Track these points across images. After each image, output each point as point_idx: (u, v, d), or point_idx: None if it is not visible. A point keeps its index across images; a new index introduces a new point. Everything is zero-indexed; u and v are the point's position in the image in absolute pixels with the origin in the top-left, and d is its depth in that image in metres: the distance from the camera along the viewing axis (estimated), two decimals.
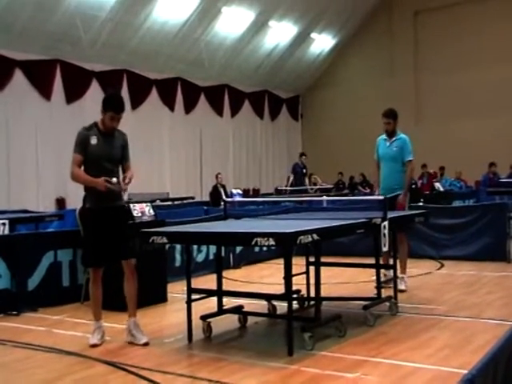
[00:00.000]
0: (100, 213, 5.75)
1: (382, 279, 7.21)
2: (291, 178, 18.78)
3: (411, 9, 25.39)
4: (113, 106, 5.77)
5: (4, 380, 4.90)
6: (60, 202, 17.78)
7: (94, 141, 5.76)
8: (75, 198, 12.63)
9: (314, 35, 25.73)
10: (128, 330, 5.80)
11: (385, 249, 6.40)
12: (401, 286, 7.75)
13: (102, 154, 5.76)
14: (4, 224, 8.86)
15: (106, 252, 5.75)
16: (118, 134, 5.96)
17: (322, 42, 26.53)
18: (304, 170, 18.46)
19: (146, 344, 5.63)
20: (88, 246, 5.84)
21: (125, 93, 20.09)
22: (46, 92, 17.82)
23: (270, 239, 4.99)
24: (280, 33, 24.07)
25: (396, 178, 8.17)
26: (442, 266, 9.78)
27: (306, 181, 18.65)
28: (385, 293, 6.80)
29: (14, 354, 5.66)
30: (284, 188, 19.72)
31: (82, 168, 5.82)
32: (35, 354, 5.60)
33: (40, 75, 17.59)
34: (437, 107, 24.29)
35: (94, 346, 5.69)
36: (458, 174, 21.10)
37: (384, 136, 8.37)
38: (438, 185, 18.47)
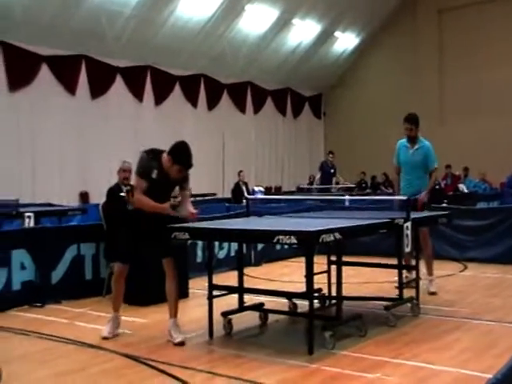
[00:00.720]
0: (143, 216, 5.76)
1: (404, 280, 7.20)
2: (317, 176, 18.66)
3: (435, 7, 25.15)
4: (184, 162, 5.66)
5: (27, 370, 4.96)
6: (83, 196, 17.92)
7: (154, 175, 5.68)
8: (98, 193, 12.76)
9: (337, 33, 25.61)
10: (168, 330, 5.77)
11: (407, 249, 6.36)
12: (431, 289, 7.70)
13: (160, 191, 5.75)
14: (29, 217, 8.97)
15: (138, 251, 5.92)
16: None
17: (346, 41, 26.41)
18: (332, 170, 18.26)
19: (180, 343, 5.58)
20: (123, 243, 5.91)
21: (148, 89, 20.21)
22: (71, 87, 17.95)
23: (292, 237, 4.99)
24: (303, 31, 23.99)
25: (418, 184, 7.99)
26: (466, 267, 9.70)
27: (334, 180, 18.27)
28: (407, 294, 6.75)
29: (37, 344, 5.73)
30: (306, 186, 19.69)
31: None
32: (58, 346, 5.67)
33: (65, 70, 17.71)
34: (461, 107, 24.06)
35: (105, 338, 5.78)
36: (482, 175, 20.87)
37: (405, 142, 8.10)
38: (461, 186, 18.33)
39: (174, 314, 5.79)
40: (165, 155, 5.67)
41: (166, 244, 5.76)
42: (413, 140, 8.02)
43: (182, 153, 5.67)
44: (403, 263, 7.49)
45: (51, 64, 17.38)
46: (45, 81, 17.31)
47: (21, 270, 7.26)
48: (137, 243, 5.87)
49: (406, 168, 8.11)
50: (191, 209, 5.76)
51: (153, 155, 5.72)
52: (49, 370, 4.96)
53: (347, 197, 10.51)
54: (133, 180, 6.71)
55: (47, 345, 5.71)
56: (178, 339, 5.63)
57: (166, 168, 5.66)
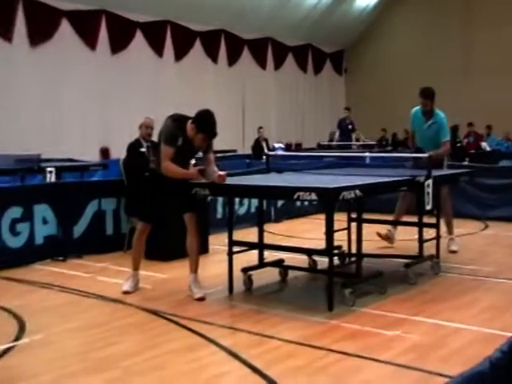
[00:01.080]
0: (165, 180, 5.73)
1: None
2: (337, 134, 18.65)
3: None
4: (208, 131, 5.65)
5: (50, 323, 5.04)
6: (104, 152, 17.96)
7: (179, 142, 5.68)
8: (119, 148, 12.75)
9: None
10: (188, 285, 5.84)
11: (428, 207, 6.30)
12: (453, 247, 7.69)
13: (183, 156, 5.78)
14: (51, 172, 9.01)
15: (160, 210, 6.01)
16: None
17: None
18: (350, 126, 18.30)
19: (200, 299, 5.63)
20: (146, 202, 5.95)
21: (168, 44, 20.01)
22: (91, 42, 17.84)
23: (313, 194, 4.97)
24: None
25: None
26: (487, 226, 9.63)
27: (353, 136, 18.40)
28: (427, 251, 6.72)
29: (59, 298, 5.82)
30: (326, 143, 19.58)
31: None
32: (80, 300, 5.75)
33: (86, 25, 17.57)
34: (486, 62, 23.54)
35: (126, 292, 5.86)
36: (505, 133, 20.57)
37: (419, 113, 7.91)
38: (484, 144, 18.09)
39: (194, 269, 5.83)
40: (189, 123, 5.66)
41: (187, 199, 5.76)
42: (428, 114, 7.83)
43: (206, 122, 5.65)
44: (397, 219, 7.55)
45: (71, 19, 17.25)
46: (65, 36, 17.20)
47: (43, 225, 7.34)
48: (159, 202, 5.90)
49: (421, 140, 7.99)
50: (218, 171, 5.71)
51: (178, 123, 5.70)
52: (72, 323, 5.04)
53: (368, 154, 10.40)
54: (155, 137, 6.71)
55: (70, 298, 5.79)
56: (199, 294, 5.67)
57: (190, 136, 5.65)
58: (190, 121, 5.69)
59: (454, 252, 7.60)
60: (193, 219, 5.84)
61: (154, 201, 5.90)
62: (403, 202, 7.99)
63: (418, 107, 7.99)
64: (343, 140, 17.85)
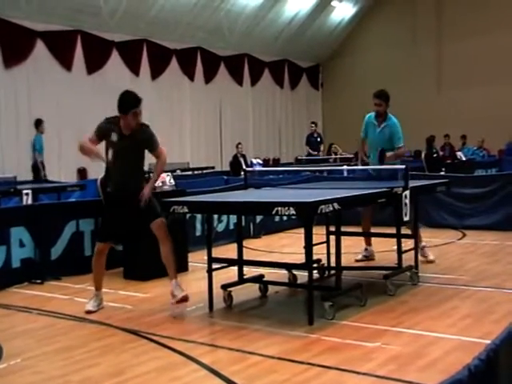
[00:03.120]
0: (117, 197, 5.91)
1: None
2: (307, 150, 19.14)
3: None
4: (133, 103, 5.81)
5: (28, 347, 4.97)
6: (81, 173, 17.88)
7: (114, 138, 5.87)
8: (96, 169, 12.69)
9: (334, 3, 25.35)
10: (171, 293, 5.83)
11: (406, 218, 6.35)
12: (430, 257, 7.72)
13: (125, 154, 5.91)
14: (27, 194, 8.95)
15: (122, 229, 6.13)
16: (138, 132, 5.92)
17: (343, 10, 26.15)
18: (318, 139, 18.82)
19: (184, 298, 5.71)
20: (103, 222, 6.12)
21: (145, 62, 20.06)
22: (66, 63, 17.83)
23: (291, 208, 4.98)
24: (300, 0, 23.74)
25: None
26: (464, 235, 9.71)
27: (321, 147, 19.14)
28: (406, 262, 6.76)
29: (38, 321, 5.75)
30: (304, 157, 19.76)
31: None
32: (59, 322, 5.69)
33: (61, 46, 17.58)
34: (459, 75, 23.90)
35: (89, 312, 5.85)
36: (480, 142, 20.84)
37: (373, 118, 7.80)
38: (460, 154, 18.29)
39: (174, 275, 5.84)
40: (119, 117, 5.86)
41: (149, 209, 5.81)
42: (381, 116, 7.74)
43: (127, 98, 5.84)
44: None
45: (46, 39, 17.24)
46: (40, 56, 17.19)
47: (20, 248, 7.25)
48: (119, 221, 5.92)
49: (373, 146, 7.84)
50: (146, 190, 5.87)
51: (110, 119, 5.96)
52: (50, 346, 4.98)
53: (346, 167, 10.46)
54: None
55: (48, 321, 5.73)
56: (182, 294, 5.72)
57: (125, 127, 5.82)
58: (118, 116, 5.87)
59: (431, 262, 7.64)
60: (161, 226, 5.86)
61: (110, 220, 5.93)
62: (365, 216, 7.94)
63: (371, 113, 7.89)
64: (315, 154, 18.40)
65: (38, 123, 14.54)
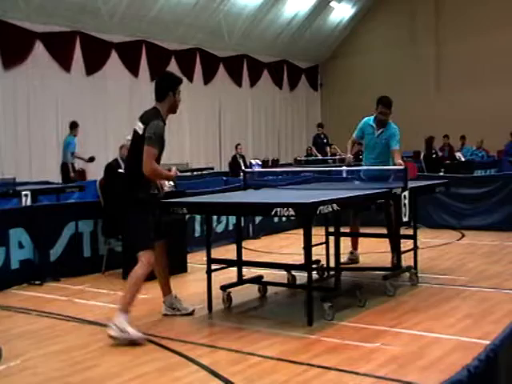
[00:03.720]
0: (154, 200, 5.46)
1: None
2: (314, 151, 19.21)
3: None
4: (178, 80, 5.65)
5: (28, 349, 4.97)
6: (80, 174, 17.87)
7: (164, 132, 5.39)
8: (95, 170, 12.71)
9: (333, 4, 25.37)
10: (169, 306, 5.72)
11: (405, 219, 6.34)
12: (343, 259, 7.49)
13: (163, 145, 5.44)
14: (26, 195, 8.95)
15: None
16: None
17: (342, 11, 26.16)
18: (325, 140, 19.06)
19: (193, 312, 5.69)
20: (149, 228, 5.30)
21: (144, 64, 20.07)
22: (66, 64, 17.83)
23: (290, 209, 4.98)
24: (299, 2, 23.76)
25: (387, 160, 7.57)
26: (463, 236, 9.71)
27: (327, 150, 19.35)
28: (405, 263, 6.76)
29: (38, 322, 5.74)
30: (303, 158, 19.81)
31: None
32: (59, 323, 5.68)
33: (60, 47, 17.58)
34: (458, 75, 23.91)
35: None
36: (479, 143, 20.83)
37: (372, 122, 7.70)
38: (459, 154, 18.29)
39: (170, 289, 5.78)
40: (160, 104, 5.52)
41: (163, 226, 5.67)
42: (383, 123, 7.60)
43: (172, 76, 5.71)
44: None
45: (46, 41, 17.25)
46: (39, 58, 17.19)
47: (19, 249, 7.25)
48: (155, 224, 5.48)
49: (369, 150, 7.77)
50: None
51: (159, 114, 5.45)
52: (50, 347, 4.98)
53: (345, 168, 10.45)
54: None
55: (47, 323, 5.72)
56: (191, 308, 5.73)
57: (166, 115, 5.53)
58: (157, 104, 5.54)
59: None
60: (166, 244, 5.67)
61: (153, 225, 5.39)
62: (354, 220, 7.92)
63: (370, 117, 7.79)
64: (320, 154, 18.63)
65: (73, 126, 14.55)
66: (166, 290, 5.75)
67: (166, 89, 5.52)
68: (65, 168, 14.07)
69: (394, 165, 7.28)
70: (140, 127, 5.32)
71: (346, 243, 6.76)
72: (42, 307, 6.20)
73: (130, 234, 5.51)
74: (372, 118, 7.77)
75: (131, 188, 5.32)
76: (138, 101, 19.53)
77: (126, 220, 5.40)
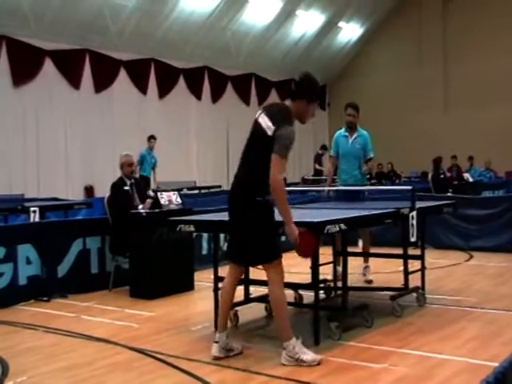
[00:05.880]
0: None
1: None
2: (317, 166, 19.13)
3: None
4: (318, 90, 5.03)
5: (34, 365, 4.97)
6: (88, 191, 17.96)
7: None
8: (103, 187, 12.76)
9: (341, 24, 25.53)
10: (223, 348, 4.96)
11: (413, 239, 6.34)
12: (368, 277, 7.81)
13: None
14: (34, 212, 9.00)
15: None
16: None
17: (350, 31, 26.32)
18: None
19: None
20: (273, 237, 4.94)
21: (152, 82, 20.19)
22: (74, 81, 17.97)
23: (298, 228, 4.98)
24: (307, 21, 23.92)
25: (356, 174, 8.08)
26: (471, 257, 9.68)
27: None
28: (412, 283, 6.74)
29: (44, 339, 5.74)
30: (311, 177, 19.81)
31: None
32: (65, 340, 5.68)
33: (69, 64, 17.73)
34: (466, 96, 23.97)
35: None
36: (487, 163, 20.81)
37: (343, 132, 8.13)
38: (467, 175, 18.26)
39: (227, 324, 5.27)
40: (294, 103, 4.87)
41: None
42: (352, 128, 8.11)
43: (317, 84, 4.97)
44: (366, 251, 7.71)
45: (55, 58, 17.40)
46: (49, 75, 17.34)
47: (27, 265, 7.27)
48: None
49: (346, 158, 8.09)
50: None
51: (292, 122, 4.82)
52: (56, 364, 4.97)
53: (353, 187, 10.45)
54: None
55: (54, 339, 5.72)
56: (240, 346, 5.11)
57: (295, 118, 4.87)
58: (290, 102, 4.90)
59: (369, 282, 7.71)
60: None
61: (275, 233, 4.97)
62: (364, 234, 8.00)
63: (340, 130, 8.25)
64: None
65: (150, 139, 14.78)
66: (224, 325, 5.08)
67: (305, 91, 4.87)
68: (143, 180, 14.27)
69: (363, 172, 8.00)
70: (269, 126, 4.75)
71: (353, 263, 6.75)
72: (49, 323, 6.21)
73: (249, 243, 4.86)
74: (342, 129, 8.21)
75: (250, 190, 4.80)
76: (146, 118, 19.68)
77: (243, 227, 4.85)
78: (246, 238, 4.87)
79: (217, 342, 4.94)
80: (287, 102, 4.96)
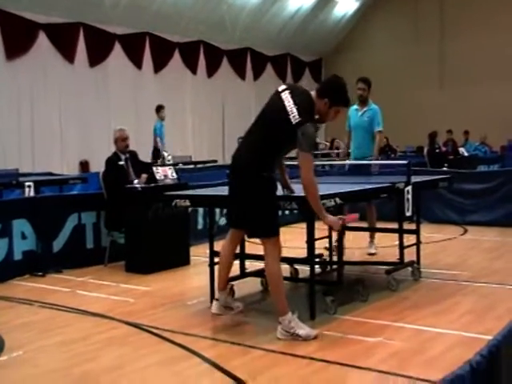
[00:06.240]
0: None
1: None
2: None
3: None
4: (346, 100, 4.89)
5: (30, 339, 4.98)
6: (83, 165, 17.89)
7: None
8: (98, 162, 12.70)
9: None
10: (223, 305, 5.12)
11: (408, 213, 6.35)
12: (371, 250, 7.95)
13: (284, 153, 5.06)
14: (29, 186, 8.95)
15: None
16: None
17: (346, 5, 26.05)
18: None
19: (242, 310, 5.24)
20: (275, 212, 5.03)
21: (147, 56, 20.02)
22: (69, 55, 17.78)
23: (293, 203, 4.98)
24: None
25: (368, 146, 8.24)
26: (466, 231, 9.70)
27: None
28: (407, 257, 6.75)
29: (40, 313, 5.75)
30: None
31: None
32: (61, 315, 5.69)
33: (63, 38, 17.52)
34: (461, 71, 23.85)
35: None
36: (482, 138, 20.80)
37: (355, 106, 8.33)
38: (462, 150, 18.25)
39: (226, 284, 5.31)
40: (316, 98, 4.78)
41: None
42: (363, 101, 8.28)
43: (344, 90, 4.83)
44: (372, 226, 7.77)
45: (49, 32, 17.19)
46: (42, 49, 17.15)
47: (22, 240, 7.25)
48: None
49: (356, 131, 8.35)
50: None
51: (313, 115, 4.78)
52: (52, 338, 4.99)
53: (348, 162, 10.44)
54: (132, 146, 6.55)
55: (50, 314, 5.73)
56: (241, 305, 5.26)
57: (319, 117, 4.84)
58: (314, 95, 4.80)
59: (372, 254, 7.86)
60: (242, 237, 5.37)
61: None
62: (370, 210, 8.07)
63: (354, 104, 8.29)
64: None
65: (158, 109, 14.58)
66: (224, 284, 5.18)
67: (328, 90, 4.82)
68: (156, 153, 14.18)
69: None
70: (294, 114, 4.66)
71: (348, 237, 6.74)
72: (44, 298, 6.21)
73: (250, 216, 4.83)
74: (355, 103, 8.31)
75: (254, 165, 4.76)
76: (141, 93, 19.54)
77: (245, 201, 4.83)
78: (247, 211, 4.85)
79: (217, 300, 5.06)
80: (313, 93, 4.85)
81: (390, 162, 7.82)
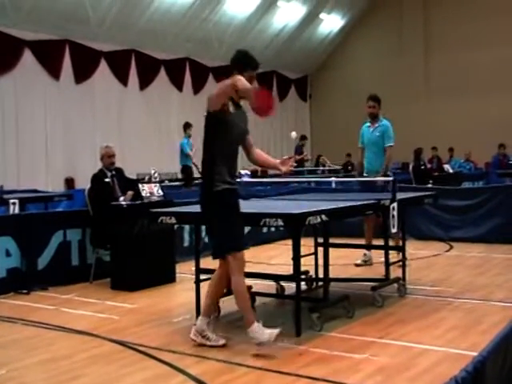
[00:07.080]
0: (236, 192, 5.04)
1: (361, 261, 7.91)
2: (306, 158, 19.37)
3: None
4: (253, 63, 5.16)
5: (14, 358, 4.93)
6: (69, 182, 17.81)
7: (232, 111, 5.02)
8: (84, 178, 12.65)
9: (322, 15, 25.49)
10: (199, 331, 5.02)
11: (394, 230, 6.39)
12: (358, 261, 8.22)
13: (236, 140, 5.23)
14: (14, 203, 8.91)
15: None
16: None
17: (331, 23, 26.29)
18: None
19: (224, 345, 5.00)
20: (239, 226, 4.95)
21: (133, 73, 20.05)
22: (54, 72, 17.77)
23: (279, 220, 4.99)
24: (289, 13, 23.85)
25: (376, 162, 8.47)
26: (451, 247, 9.75)
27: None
28: (393, 274, 6.78)
29: (24, 331, 5.70)
30: (293, 169, 19.87)
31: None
32: (45, 333, 5.65)
33: (49, 55, 17.52)
34: (446, 87, 24.08)
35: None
36: (467, 155, 20.97)
37: (368, 123, 8.62)
38: (447, 166, 18.39)
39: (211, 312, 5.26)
40: (234, 77, 5.02)
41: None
42: (374, 118, 8.53)
43: (247, 55, 5.22)
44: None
45: (34, 49, 17.19)
46: (28, 66, 17.13)
47: (6, 257, 7.20)
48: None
49: (368, 147, 8.60)
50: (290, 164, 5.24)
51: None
52: (36, 357, 4.94)
53: (334, 179, 10.50)
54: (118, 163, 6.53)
55: (34, 332, 5.68)
56: (222, 340, 5.03)
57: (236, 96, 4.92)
58: (230, 79, 5.01)
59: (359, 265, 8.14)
60: None
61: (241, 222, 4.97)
62: (368, 226, 8.20)
63: (366, 122, 8.68)
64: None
65: (186, 126, 14.60)
66: (209, 311, 5.12)
67: (234, 65, 5.30)
68: (185, 170, 14.14)
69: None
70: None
71: (334, 254, 6.76)
72: (28, 316, 6.16)
73: (217, 231, 4.89)
74: (368, 121, 8.64)
75: (206, 180, 4.95)
76: (127, 110, 19.54)
77: (210, 216, 4.90)
78: (210, 230, 5.08)
79: (194, 325, 5.07)
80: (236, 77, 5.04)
81: (375, 179, 7.91)
